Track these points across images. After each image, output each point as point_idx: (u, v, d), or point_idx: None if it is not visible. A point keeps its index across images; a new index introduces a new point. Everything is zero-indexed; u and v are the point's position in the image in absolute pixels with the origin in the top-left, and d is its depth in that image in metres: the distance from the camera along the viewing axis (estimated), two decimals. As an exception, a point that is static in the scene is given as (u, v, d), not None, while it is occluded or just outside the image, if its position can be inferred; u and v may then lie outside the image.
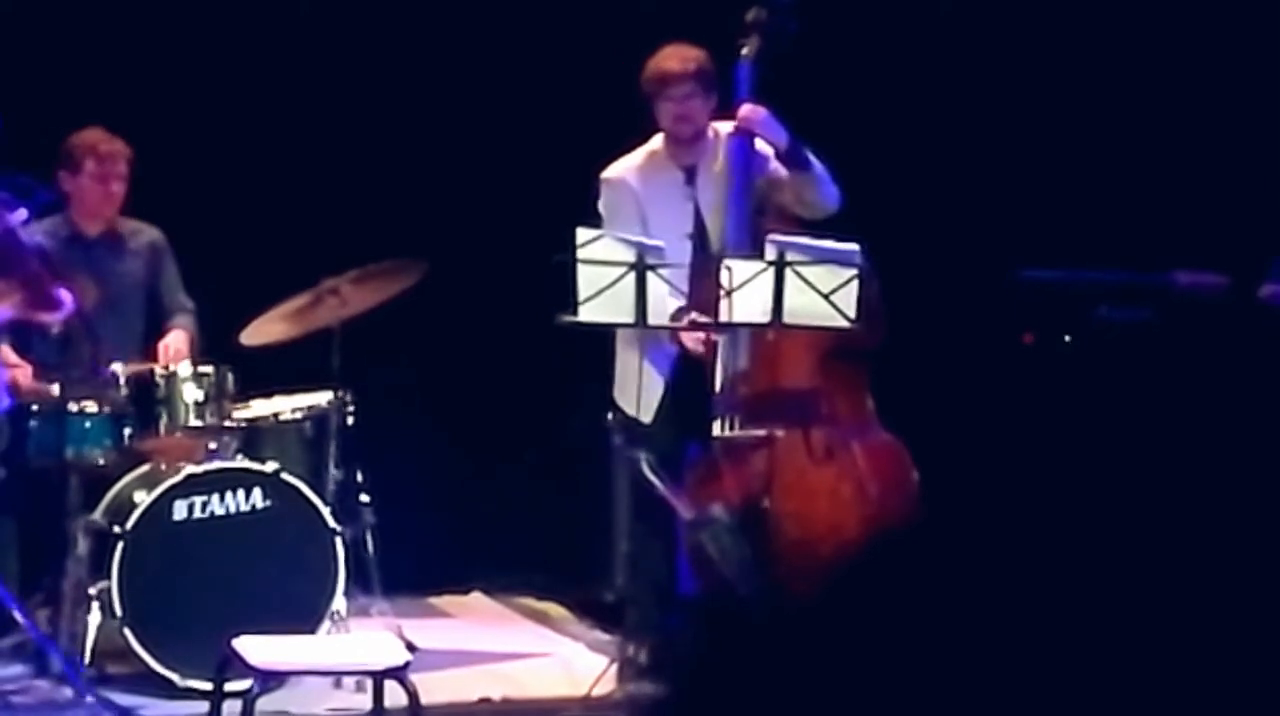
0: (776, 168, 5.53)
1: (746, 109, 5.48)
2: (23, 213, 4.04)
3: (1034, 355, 5.98)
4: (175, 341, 5.92)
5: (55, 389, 5.48)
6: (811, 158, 5.49)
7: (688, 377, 5.53)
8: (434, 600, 6.80)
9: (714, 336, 5.43)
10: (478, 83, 6.83)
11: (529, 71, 6.76)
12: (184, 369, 5.68)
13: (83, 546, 5.51)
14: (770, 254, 5.20)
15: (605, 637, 6.13)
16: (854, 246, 5.21)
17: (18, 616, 5.29)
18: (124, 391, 5.59)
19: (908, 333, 5.62)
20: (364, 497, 5.90)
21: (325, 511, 5.61)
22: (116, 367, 5.59)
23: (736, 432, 5.41)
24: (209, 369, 5.69)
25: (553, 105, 6.69)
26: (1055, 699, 2.17)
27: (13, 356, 5.54)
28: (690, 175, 5.59)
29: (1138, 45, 6.77)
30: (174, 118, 6.51)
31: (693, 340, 5.43)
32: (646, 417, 5.51)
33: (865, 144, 6.04)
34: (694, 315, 5.34)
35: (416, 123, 6.82)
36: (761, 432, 5.37)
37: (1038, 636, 2.22)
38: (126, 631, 5.40)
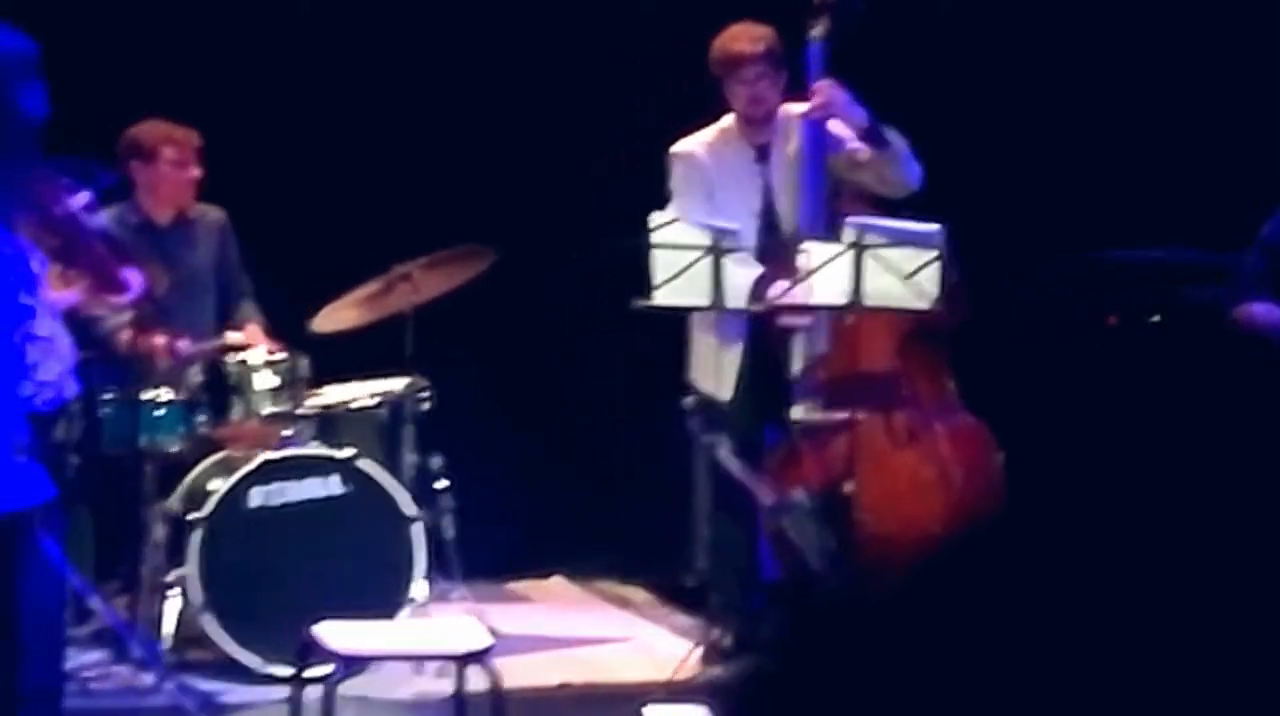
0: (856, 147, 5.45)
1: (823, 89, 5.42)
2: (85, 195, 3.99)
3: (1119, 336, 5.90)
4: (253, 336, 5.87)
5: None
6: (891, 135, 5.41)
7: (765, 360, 5.48)
8: (514, 585, 6.81)
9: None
10: (549, 66, 6.81)
11: (601, 54, 6.72)
12: (257, 356, 5.67)
13: (159, 534, 5.53)
14: (849, 236, 5.14)
15: (687, 621, 6.11)
16: (935, 227, 5.15)
17: (96, 604, 5.29)
18: (197, 378, 5.60)
19: (990, 314, 5.56)
20: (441, 483, 5.90)
21: (403, 497, 5.60)
22: (185, 344, 5.59)
23: (817, 416, 5.36)
24: (282, 355, 5.69)
25: (624, 88, 6.66)
26: (1144, 694, 2.11)
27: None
28: (762, 153, 5.53)
29: (1221, 20, 6.65)
30: (249, 105, 6.53)
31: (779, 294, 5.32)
32: (724, 397, 5.47)
33: (945, 122, 5.95)
34: (778, 285, 5.28)
35: (488, 107, 6.81)
36: (843, 416, 5.33)
37: (1123, 631, 2.16)
38: (205, 617, 5.42)
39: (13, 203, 3.60)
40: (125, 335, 5.56)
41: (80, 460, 5.45)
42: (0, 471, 3.54)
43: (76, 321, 4.26)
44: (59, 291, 3.93)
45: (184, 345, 5.62)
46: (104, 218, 5.16)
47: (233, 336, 5.74)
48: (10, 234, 3.60)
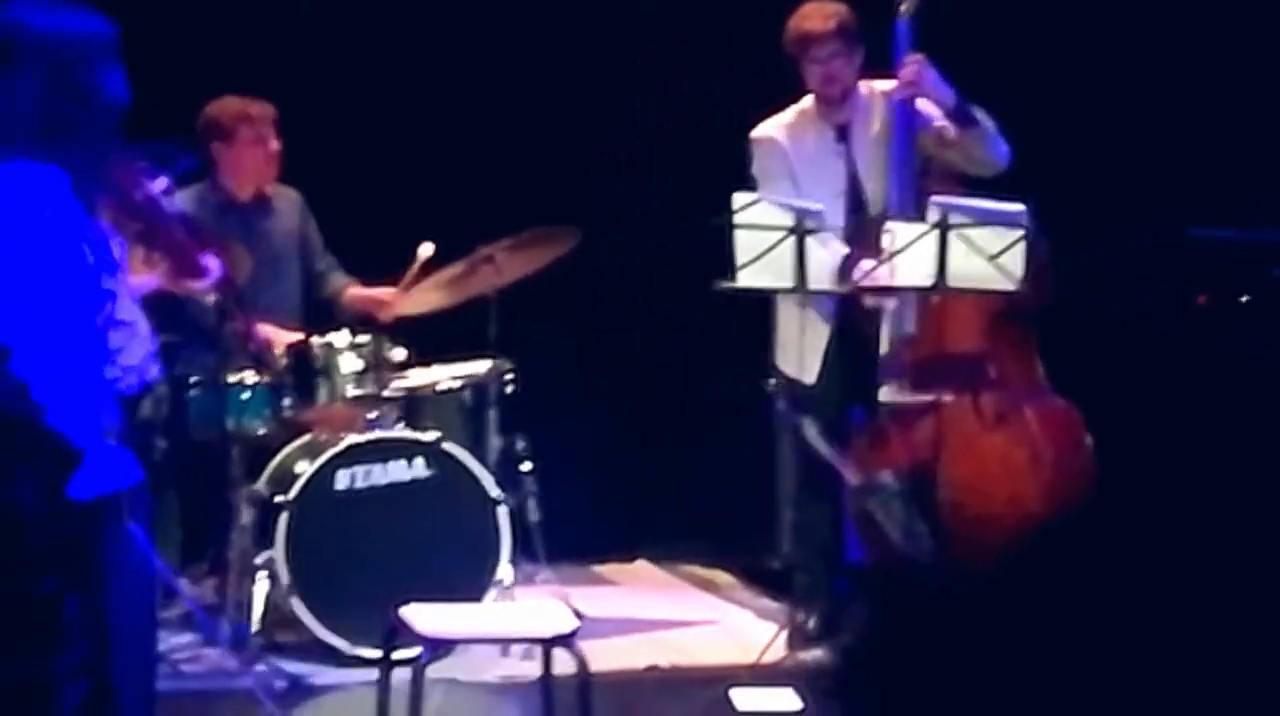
0: (943, 125, 5.42)
1: (911, 66, 5.39)
2: (164, 180, 4.00)
3: (1209, 316, 5.83)
4: (378, 292, 5.91)
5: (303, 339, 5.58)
6: (979, 114, 5.38)
7: (852, 342, 5.47)
8: (599, 568, 6.82)
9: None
10: (630, 47, 6.79)
11: (681, 35, 6.71)
12: (342, 338, 5.68)
13: (246, 516, 5.55)
14: (933, 216, 5.11)
15: (773, 605, 6.11)
16: (1020, 207, 5.11)
17: (183, 588, 5.34)
18: (282, 361, 5.61)
19: (1077, 295, 5.53)
20: (526, 465, 5.91)
21: (488, 480, 5.60)
22: (268, 329, 5.62)
23: (904, 398, 5.34)
24: (367, 338, 5.69)
25: (706, 68, 6.65)
26: (1242, 680, 2.08)
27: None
28: (841, 133, 5.51)
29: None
30: (330, 83, 6.54)
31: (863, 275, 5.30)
32: (809, 379, 5.45)
33: (1031, 99, 5.90)
34: (863, 266, 5.25)
35: (574, 87, 6.80)
36: (930, 397, 5.29)
37: (1221, 616, 2.13)
38: (294, 600, 5.43)
39: (94, 187, 3.63)
40: (238, 322, 5.56)
41: (167, 443, 5.49)
42: (89, 455, 3.56)
43: (163, 304, 4.30)
44: (140, 275, 3.97)
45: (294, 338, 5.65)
46: (183, 200, 5.19)
47: (337, 334, 5.66)
48: (92, 218, 3.63)
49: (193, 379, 5.58)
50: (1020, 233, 5.07)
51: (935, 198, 5.16)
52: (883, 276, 5.20)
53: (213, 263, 4.13)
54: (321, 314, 6.00)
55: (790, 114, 5.58)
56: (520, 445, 5.93)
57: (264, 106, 5.91)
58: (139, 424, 4.20)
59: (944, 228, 5.08)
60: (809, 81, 5.51)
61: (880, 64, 5.49)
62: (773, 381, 5.48)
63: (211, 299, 5.29)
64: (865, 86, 5.54)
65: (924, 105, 5.44)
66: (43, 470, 3.53)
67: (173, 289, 4.59)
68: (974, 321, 5.41)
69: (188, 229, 4.12)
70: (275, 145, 5.94)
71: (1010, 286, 5.10)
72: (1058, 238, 5.32)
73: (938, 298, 5.28)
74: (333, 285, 6.10)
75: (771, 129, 5.56)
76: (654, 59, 6.79)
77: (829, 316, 5.47)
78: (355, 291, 6.07)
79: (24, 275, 3.53)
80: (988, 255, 5.08)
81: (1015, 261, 5.09)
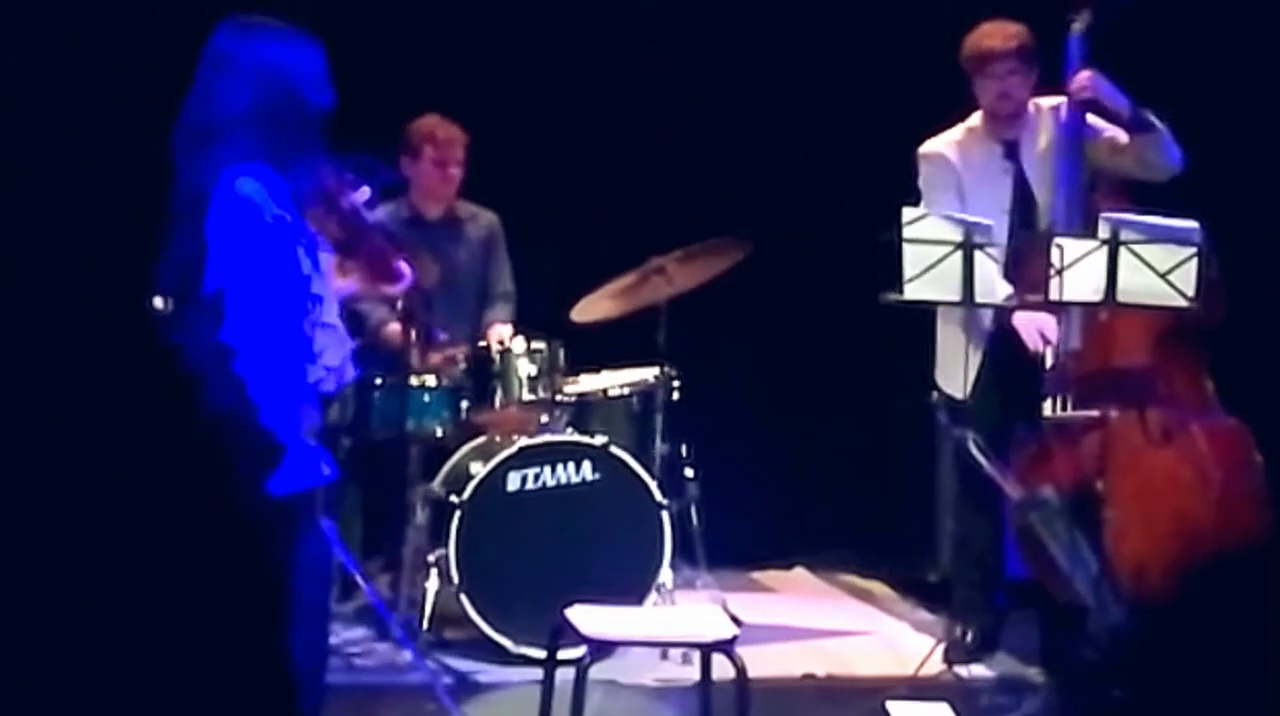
0: (1113, 134, 5.43)
1: (1083, 77, 5.39)
2: (365, 191, 4.10)
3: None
4: (496, 336, 6.00)
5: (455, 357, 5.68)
6: (1154, 119, 5.39)
7: (1010, 357, 5.46)
8: (757, 575, 6.84)
9: (1049, 337, 5.38)
10: (800, 60, 6.82)
11: (851, 48, 6.73)
12: (518, 345, 5.78)
13: (422, 515, 5.64)
14: (1104, 232, 5.07)
15: (930, 617, 6.11)
16: (1193, 224, 5.07)
17: (362, 583, 5.41)
18: (462, 365, 5.71)
19: (1249, 312, 5.47)
20: (689, 472, 5.96)
21: (652, 484, 5.66)
22: (446, 340, 5.73)
23: (1069, 413, 5.32)
24: (541, 344, 5.78)
25: (875, 82, 6.66)
26: None
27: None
28: (1009, 150, 5.53)
29: None
30: (513, 102, 6.63)
31: (1031, 339, 5.36)
32: (963, 394, 5.46)
33: (1201, 117, 5.83)
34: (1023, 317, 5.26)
35: (744, 100, 6.83)
36: (1095, 413, 5.26)
37: None
38: (463, 598, 5.51)
39: (303, 193, 3.76)
40: (393, 329, 5.71)
41: (351, 442, 5.62)
42: (291, 452, 3.68)
43: (348, 311, 4.40)
44: (339, 281, 4.08)
45: (438, 340, 5.76)
46: (381, 212, 5.34)
47: (514, 341, 5.82)
48: (303, 222, 3.75)
49: (376, 380, 5.68)
50: (1193, 249, 5.04)
51: (1105, 213, 5.14)
52: (1047, 328, 5.28)
53: (406, 269, 4.24)
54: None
55: (959, 131, 5.61)
56: (685, 451, 5.97)
57: (452, 129, 6.03)
58: (328, 423, 4.31)
59: (1114, 243, 5.05)
60: (982, 98, 5.54)
61: (1050, 81, 5.50)
62: (935, 394, 5.49)
63: (400, 304, 5.45)
64: (1032, 103, 5.56)
65: (1092, 119, 5.45)
66: (249, 466, 3.66)
67: (368, 294, 4.70)
68: (1142, 337, 5.40)
69: (384, 238, 4.25)
70: (456, 170, 6.06)
71: (1182, 303, 5.06)
72: (1229, 255, 5.28)
73: (1105, 313, 5.27)
74: (490, 315, 6.19)
75: (941, 145, 5.59)
76: (826, 73, 6.81)
77: (983, 333, 5.48)
78: (489, 334, 6.04)
79: (249, 277, 3.65)
80: (1159, 272, 5.05)
81: (1188, 279, 5.05)
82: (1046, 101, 5.53)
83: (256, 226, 3.65)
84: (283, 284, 3.66)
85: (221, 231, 3.65)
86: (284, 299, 3.66)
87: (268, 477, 3.66)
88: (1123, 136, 5.43)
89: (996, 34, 5.48)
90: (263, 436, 3.64)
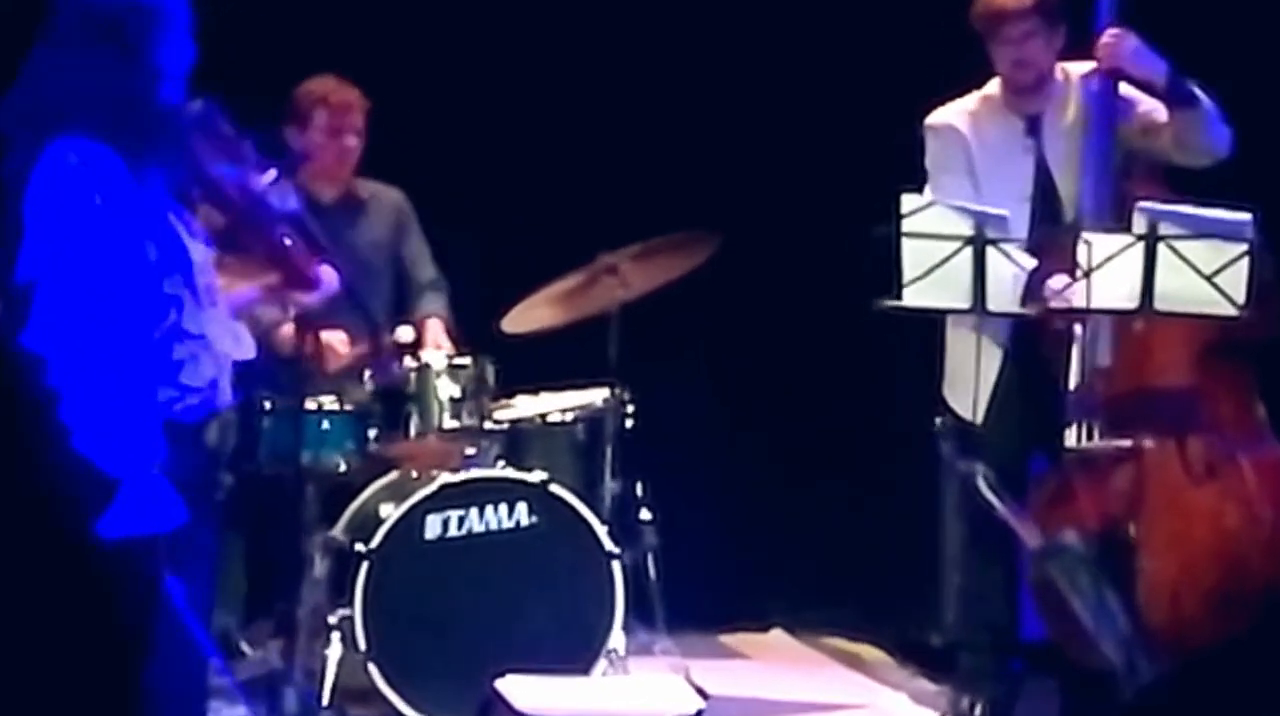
0: (1149, 109, 5.27)
1: (1110, 38, 5.23)
2: (271, 173, 3.96)
3: None
4: (433, 335, 5.89)
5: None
6: (1198, 92, 5.21)
7: (1034, 374, 5.27)
8: (726, 638, 6.75)
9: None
10: (776, 20, 6.68)
11: (837, 5, 6.59)
12: (438, 361, 5.65)
13: (320, 567, 5.52)
14: (1139, 225, 4.88)
15: (932, 687, 5.97)
16: (1246, 216, 4.87)
17: (221, 664, 5.18)
18: (369, 386, 5.58)
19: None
20: (645, 514, 5.84)
21: (601, 530, 5.55)
22: (336, 339, 5.51)
23: (1095, 443, 5.13)
24: (466, 361, 5.65)
25: (867, 49, 6.53)
26: None
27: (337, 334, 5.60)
28: (1032, 125, 5.36)
29: None
30: (424, 66, 6.51)
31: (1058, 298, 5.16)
32: (978, 418, 5.25)
33: (1255, 90, 5.64)
34: (1053, 284, 5.00)
35: (705, 74, 6.72)
36: (1127, 443, 5.10)
37: None
38: (371, 667, 5.38)
39: (169, 174, 3.61)
40: (286, 332, 5.48)
41: (234, 479, 5.40)
42: (125, 488, 3.51)
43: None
44: (235, 284, 3.90)
45: (358, 346, 5.59)
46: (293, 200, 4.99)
47: (404, 332, 5.69)
48: (164, 212, 3.61)
49: (266, 405, 5.54)
50: (1244, 247, 4.83)
51: (1141, 203, 4.96)
52: (1077, 297, 5.00)
53: (327, 273, 4.06)
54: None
55: (973, 100, 5.46)
56: (640, 490, 5.84)
57: (348, 92, 5.86)
58: (203, 454, 4.07)
59: (1153, 239, 4.85)
60: (997, 64, 5.38)
61: (1080, 44, 5.34)
62: (940, 420, 5.30)
63: (289, 312, 5.20)
64: (1060, 71, 5.41)
65: (1127, 90, 5.29)
66: (67, 502, 3.50)
67: (275, 302, 4.49)
68: (1183, 352, 5.23)
69: (298, 231, 4.06)
70: (354, 140, 5.88)
71: (1230, 311, 4.87)
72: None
73: (1140, 323, 5.08)
74: (420, 309, 6.02)
75: (952, 115, 5.43)
76: (806, 36, 6.68)
77: (1003, 343, 5.32)
78: (426, 336, 5.89)
79: (65, 270, 3.51)
80: (1204, 273, 4.83)
81: (1237, 281, 4.84)
82: (1076, 68, 5.38)
83: (80, 208, 3.51)
84: (111, 279, 3.50)
85: (39, 213, 3.52)
86: (113, 297, 3.50)
87: (92, 517, 3.48)
88: (1161, 113, 5.27)
89: None
90: (79, 466, 3.48)
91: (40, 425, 3.48)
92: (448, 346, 5.83)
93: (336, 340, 5.53)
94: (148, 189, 3.60)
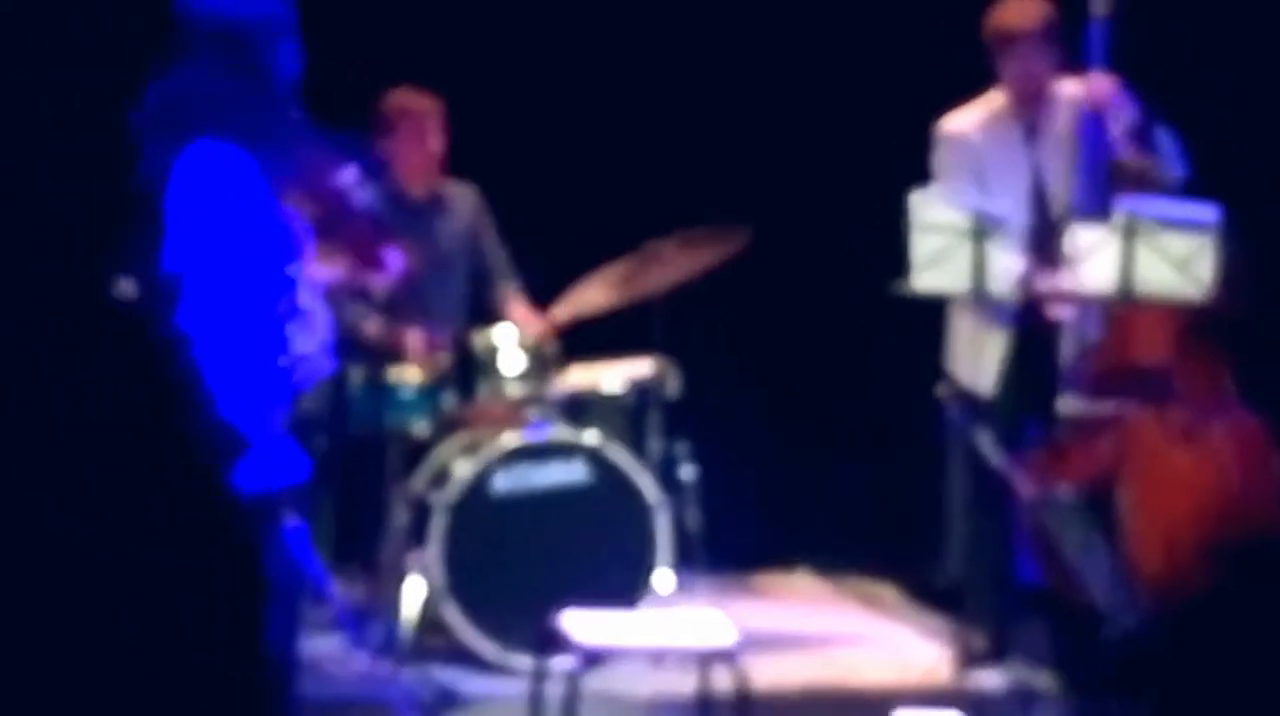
0: (1121, 150, 5.44)
1: (1097, 82, 5.42)
2: (353, 170, 4.08)
3: None
4: (521, 311, 5.98)
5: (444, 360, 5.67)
6: (1160, 135, 5.40)
7: (1031, 350, 5.48)
8: (758, 578, 6.85)
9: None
10: (806, 35, 6.82)
11: (862, 21, 6.72)
12: (506, 337, 5.76)
13: (401, 517, 5.65)
14: (1118, 219, 5.06)
15: (939, 623, 6.11)
16: (1212, 209, 5.06)
17: (333, 593, 5.45)
18: (446, 361, 5.69)
19: (1272, 304, 5.42)
20: (687, 471, 5.95)
21: (648, 485, 5.68)
22: (417, 340, 5.70)
23: (1084, 410, 5.34)
24: (531, 337, 5.78)
25: (886, 58, 6.64)
26: None
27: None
28: (1031, 131, 5.56)
29: None
30: (490, 72, 6.59)
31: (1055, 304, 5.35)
32: (985, 389, 5.49)
33: (1225, 104, 5.89)
34: (1046, 274, 5.24)
35: (745, 78, 6.81)
36: (1111, 410, 5.30)
37: None
38: (446, 604, 5.53)
39: (279, 171, 3.74)
40: (373, 326, 5.67)
41: (326, 440, 5.57)
42: (259, 447, 3.66)
43: (330, 301, 4.34)
44: (321, 266, 4.06)
45: (437, 340, 5.74)
46: (368, 195, 5.32)
47: (500, 331, 5.78)
48: (277, 202, 3.73)
49: (353, 374, 5.64)
50: (1212, 238, 5.03)
51: (1120, 200, 5.14)
52: (1065, 288, 5.21)
53: (395, 257, 4.24)
54: (488, 314, 6.12)
55: (981, 109, 5.62)
56: (682, 450, 5.97)
57: (425, 100, 5.99)
58: (301, 418, 4.29)
59: (1130, 232, 5.04)
60: (1005, 76, 5.55)
61: (1071, 63, 5.50)
62: (943, 387, 5.43)
63: (383, 295, 5.41)
64: (1056, 82, 5.57)
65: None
66: (212, 460, 3.63)
67: (352, 282, 4.70)
68: (1161, 332, 5.39)
69: (372, 223, 4.27)
70: (436, 143, 6.01)
71: (1199, 295, 5.06)
72: (1252, 244, 5.25)
73: (1124, 306, 5.25)
74: (498, 293, 6.17)
75: (964, 124, 5.59)
76: (833, 50, 6.79)
77: (1007, 324, 5.49)
78: (515, 312, 6.09)
79: (209, 261, 3.61)
80: (1176, 262, 5.04)
81: (1204, 268, 5.04)
82: (1068, 85, 5.54)
83: (220, 204, 3.62)
84: (245, 266, 3.62)
85: (180, 210, 3.63)
86: (247, 282, 3.63)
87: (231, 473, 3.63)
88: (1129, 151, 5.43)
89: (1018, 12, 5.51)
90: (223, 429, 3.61)
91: (190, 395, 3.59)
92: (535, 320, 5.92)
93: (415, 340, 5.68)
94: (269, 184, 3.70)
